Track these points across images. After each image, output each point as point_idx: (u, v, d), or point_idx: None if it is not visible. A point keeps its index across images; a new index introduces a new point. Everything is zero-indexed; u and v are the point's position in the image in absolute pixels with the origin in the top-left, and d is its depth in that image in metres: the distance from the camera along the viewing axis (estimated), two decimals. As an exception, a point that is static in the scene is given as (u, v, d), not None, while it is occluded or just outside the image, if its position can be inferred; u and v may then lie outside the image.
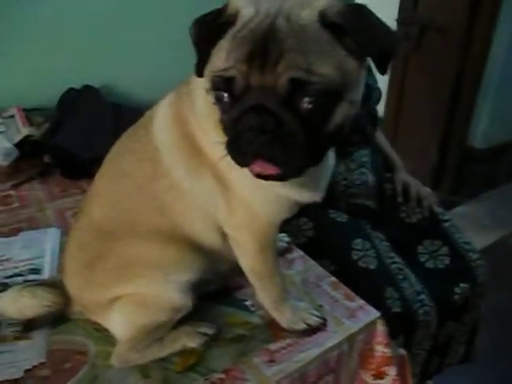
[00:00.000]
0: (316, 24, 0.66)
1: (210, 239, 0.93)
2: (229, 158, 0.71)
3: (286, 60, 0.64)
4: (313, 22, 0.66)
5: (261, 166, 0.69)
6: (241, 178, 0.82)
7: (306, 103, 0.65)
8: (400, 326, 1.29)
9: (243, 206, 0.86)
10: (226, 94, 0.69)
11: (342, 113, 0.69)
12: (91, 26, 1.93)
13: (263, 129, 0.65)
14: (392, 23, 2.90)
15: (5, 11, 1.73)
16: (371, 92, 1.56)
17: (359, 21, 0.66)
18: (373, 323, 0.99)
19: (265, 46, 0.65)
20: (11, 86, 1.81)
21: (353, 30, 0.66)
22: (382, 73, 0.69)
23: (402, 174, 1.71)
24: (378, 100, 1.67)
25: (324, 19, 0.66)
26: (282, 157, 0.67)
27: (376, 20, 0.68)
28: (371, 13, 0.68)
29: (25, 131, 1.56)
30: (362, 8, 0.68)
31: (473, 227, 2.48)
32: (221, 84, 0.69)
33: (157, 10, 2.05)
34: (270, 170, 0.69)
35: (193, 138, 0.85)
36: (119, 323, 0.92)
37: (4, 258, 1.19)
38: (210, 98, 0.73)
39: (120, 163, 0.94)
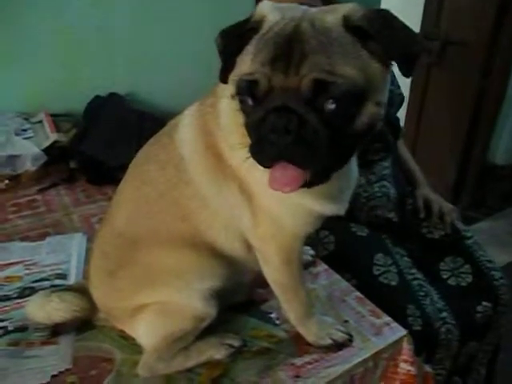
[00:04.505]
0: (340, 27, 0.67)
1: (232, 248, 0.92)
2: (252, 162, 0.71)
3: (309, 61, 0.64)
4: (337, 25, 0.67)
5: (283, 170, 0.68)
6: (266, 190, 0.82)
7: (329, 104, 0.65)
8: (421, 345, 1.27)
9: (268, 218, 0.86)
10: (249, 99, 0.69)
11: (368, 113, 0.69)
12: (117, 36, 1.97)
13: (287, 129, 0.64)
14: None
15: (34, 20, 1.77)
16: (393, 98, 1.55)
17: (383, 24, 0.67)
18: (399, 341, 0.98)
19: (288, 48, 0.66)
20: (39, 93, 1.84)
21: (376, 33, 0.66)
22: (407, 76, 0.69)
23: (424, 189, 1.69)
24: (401, 103, 1.65)
25: (348, 23, 0.67)
26: (306, 158, 0.67)
27: (400, 24, 0.68)
28: (395, 17, 0.69)
29: (53, 137, 1.58)
30: (386, 12, 0.69)
31: (493, 244, 2.43)
32: (245, 88, 0.69)
33: (182, 20, 2.08)
34: (292, 173, 0.68)
35: (217, 149, 0.85)
36: (144, 332, 0.93)
37: (31, 262, 1.20)
38: (235, 104, 0.74)
39: (143, 171, 0.94)
